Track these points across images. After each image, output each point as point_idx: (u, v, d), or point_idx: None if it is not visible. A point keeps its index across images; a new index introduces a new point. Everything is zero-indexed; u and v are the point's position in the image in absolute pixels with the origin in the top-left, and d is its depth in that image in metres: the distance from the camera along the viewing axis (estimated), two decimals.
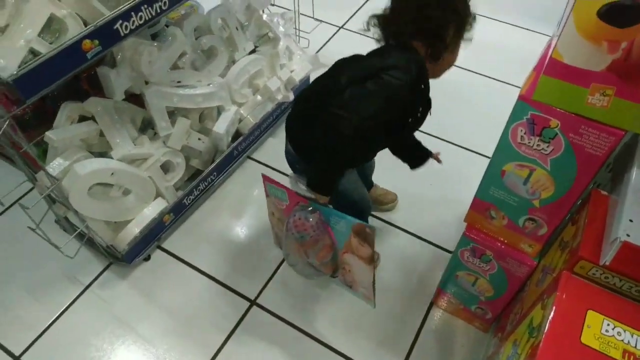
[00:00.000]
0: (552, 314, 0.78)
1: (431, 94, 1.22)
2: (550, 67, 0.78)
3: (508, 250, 1.17)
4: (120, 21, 1.11)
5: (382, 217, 1.76)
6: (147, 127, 1.63)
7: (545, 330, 0.76)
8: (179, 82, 1.59)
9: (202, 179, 1.68)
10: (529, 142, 0.92)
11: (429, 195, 1.81)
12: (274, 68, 1.82)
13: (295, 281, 1.57)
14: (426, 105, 1.23)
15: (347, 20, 2.59)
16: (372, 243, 1.17)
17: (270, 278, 1.58)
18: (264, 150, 1.97)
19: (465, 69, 2.24)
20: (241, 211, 1.77)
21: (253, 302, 1.53)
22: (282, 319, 1.49)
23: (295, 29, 2.03)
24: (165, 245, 1.66)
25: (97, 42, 1.09)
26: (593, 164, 0.88)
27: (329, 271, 1.39)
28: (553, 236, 1.10)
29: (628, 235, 0.75)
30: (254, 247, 1.67)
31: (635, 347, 0.74)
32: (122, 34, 1.14)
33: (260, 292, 1.55)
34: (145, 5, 1.16)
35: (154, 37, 1.72)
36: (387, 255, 1.64)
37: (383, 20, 1.19)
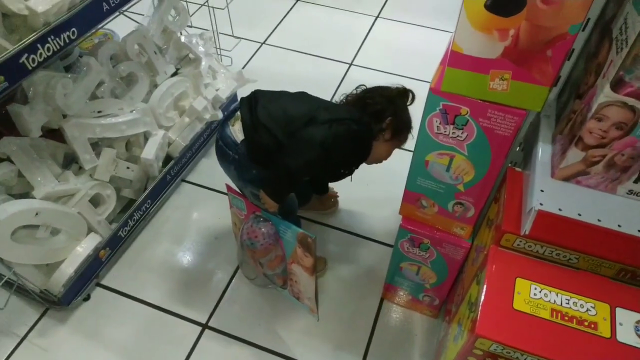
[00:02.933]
0: (485, 287, 0.84)
1: None
2: (452, 59, 0.84)
3: (443, 235, 1.22)
4: (26, 54, 1.07)
5: (325, 222, 1.79)
6: (70, 162, 1.56)
7: (481, 302, 0.81)
8: (99, 111, 1.53)
9: (136, 209, 1.63)
10: (445, 131, 0.98)
11: (367, 196, 1.86)
12: (199, 88, 1.81)
13: (246, 298, 1.56)
14: (352, 169, 1.40)
15: (269, 36, 2.63)
16: (313, 253, 1.20)
17: (220, 299, 1.56)
18: (199, 171, 1.94)
19: (390, 73, 2.35)
20: (182, 236, 1.73)
21: (205, 326, 1.49)
22: (237, 338, 1.47)
23: (216, 47, 2.03)
24: (105, 281, 1.58)
25: (2, 78, 1.04)
26: (504, 144, 0.95)
27: (281, 282, 1.41)
28: (481, 217, 1.17)
29: (541, 204, 0.82)
30: (200, 270, 1.64)
31: (561, 304, 0.81)
32: (29, 68, 1.09)
33: (211, 314, 1.52)
34: (52, 37, 1.12)
35: (67, 68, 1.67)
36: (334, 258, 1.67)
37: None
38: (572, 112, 0.85)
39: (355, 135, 1.26)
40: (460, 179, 1.07)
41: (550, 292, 0.82)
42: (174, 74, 1.82)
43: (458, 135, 0.98)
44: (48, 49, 1.12)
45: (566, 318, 0.79)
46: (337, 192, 1.82)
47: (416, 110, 1.17)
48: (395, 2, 2.93)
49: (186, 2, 1.88)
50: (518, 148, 1.15)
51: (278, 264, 1.34)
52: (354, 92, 1.39)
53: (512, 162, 1.20)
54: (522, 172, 1.00)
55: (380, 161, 1.41)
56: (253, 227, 1.28)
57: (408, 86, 1.35)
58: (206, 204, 1.84)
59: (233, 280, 1.60)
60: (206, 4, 1.92)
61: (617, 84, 0.70)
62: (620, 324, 0.78)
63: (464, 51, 0.83)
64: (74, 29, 1.17)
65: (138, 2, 1.50)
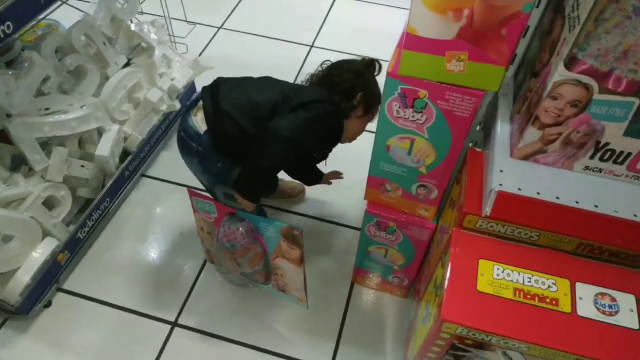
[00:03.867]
0: (448, 270, 0.84)
1: None
2: (408, 41, 0.82)
3: (408, 218, 1.23)
4: None
5: (293, 210, 1.77)
6: (19, 164, 1.48)
7: (445, 287, 0.81)
8: (47, 109, 1.45)
9: (94, 208, 1.56)
10: (405, 115, 0.97)
11: (333, 181, 1.85)
12: (153, 78, 1.73)
13: (215, 293, 1.53)
14: (326, 151, 1.37)
15: (226, 20, 2.55)
16: (301, 245, 1.18)
17: (188, 295, 1.52)
18: (159, 165, 1.88)
19: (352, 54, 2.31)
20: (145, 233, 1.68)
21: (174, 324, 1.46)
22: (207, 334, 1.45)
23: (169, 35, 1.95)
24: (66, 286, 1.52)
25: None
26: (463, 125, 0.94)
27: (262, 278, 1.39)
28: (444, 198, 1.17)
29: (501, 185, 0.83)
30: (166, 267, 1.59)
31: (523, 283, 0.82)
32: None
33: (181, 311, 1.49)
34: None
35: (9, 64, 1.56)
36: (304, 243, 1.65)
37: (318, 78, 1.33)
38: (528, 91, 0.85)
39: (325, 118, 1.21)
40: (422, 162, 1.07)
41: (512, 271, 0.83)
42: (126, 65, 1.74)
43: (418, 119, 0.97)
44: None
45: (528, 296, 0.80)
46: (302, 184, 1.79)
47: (381, 85, 1.15)
48: None
49: None
50: (478, 127, 1.15)
51: (258, 261, 1.32)
52: (319, 69, 1.34)
53: (473, 141, 1.21)
54: (482, 152, 1.01)
55: (354, 138, 1.37)
56: (231, 229, 1.24)
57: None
58: (169, 199, 1.79)
59: (201, 276, 1.57)
60: None
61: (570, 62, 0.70)
62: (580, 298, 0.80)
63: (419, 33, 0.81)
64: (8, 22, 1.09)
65: None
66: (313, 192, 1.81)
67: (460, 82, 0.86)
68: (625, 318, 0.78)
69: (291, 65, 2.28)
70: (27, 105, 1.39)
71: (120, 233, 1.67)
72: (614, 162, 0.81)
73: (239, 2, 2.68)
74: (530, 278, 0.82)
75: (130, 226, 1.69)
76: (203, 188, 1.46)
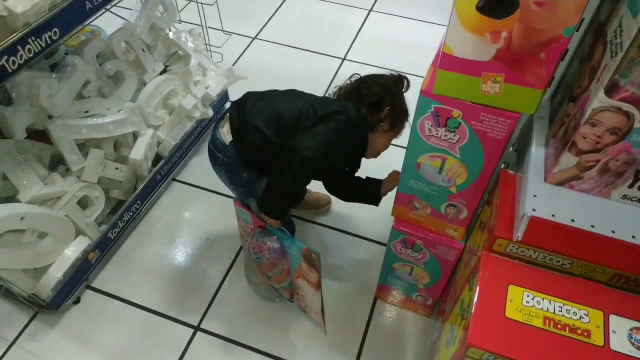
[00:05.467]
0: (476, 293, 0.82)
1: None
2: (443, 61, 0.82)
3: (436, 237, 1.21)
4: (6, 57, 1.03)
5: (318, 221, 1.77)
6: (57, 163, 1.53)
7: (472, 310, 0.80)
8: (86, 112, 1.50)
9: (125, 209, 1.60)
10: (437, 134, 0.96)
11: None
12: (188, 86, 1.78)
13: (239, 299, 1.54)
14: (354, 166, 1.38)
15: (260, 30, 2.59)
16: (318, 269, 1.18)
17: (212, 300, 1.54)
18: (190, 170, 1.92)
19: (383, 68, 2.32)
20: (173, 236, 1.71)
21: (197, 328, 1.48)
22: (229, 340, 1.46)
23: (206, 44, 2.00)
24: (95, 284, 1.56)
25: None
26: (496, 146, 0.93)
27: (288, 295, 1.39)
28: (474, 218, 1.15)
29: (534, 210, 0.81)
30: (191, 271, 1.62)
31: (554, 312, 0.79)
32: (9, 70, 1.06)
33: (204, 316, 1.51)
34: (33, 38, 1.08)
35: (52, 67, 1.63)
36: (327, 257, 1.65)
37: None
38: (566, 116, 0.83)
39: (347, 130, 1.21)
40: (452, 181, 1.05)
41: (542, 299, 0.81)
42: (163, 72, 1.79)
43: (450, 138, 0.96)
44: (29, 51, 1.09)
45: (559, 326, 0.78)
46: (328, 196, 1.79)
47: (410, 100, 1.15)
48: None
49: None
50: (511, 149, 1.13)
51: (284, 277, 1.33)
52: (348, 82, 1.35)
53: (506, 162, 1.19)
54: (515, 175, 0.99)
55: (379, 153, 1.37)
56: (258, 242, 1.25)
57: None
58: (198, 203, 1.82)
59: (225, 282, 1.59)
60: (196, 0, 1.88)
61: (611, 89, 0.69)
62: (614, 332, 0.77)
63: (455, 53, 0.80)
64: (55, 29, 1.13)
65: None
66: (339, 204, 1.80)
67: (496, 104, 0.85)
68: None
69: (323, 77, 2.30)
70: (68, 107, 1.44)
71: (148, 235, 1.70)
72: None
73: (274, 13, 2.72)
74: (561, 307, 0.80)
75: (158, 229, 1.73)
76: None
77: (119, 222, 1.59)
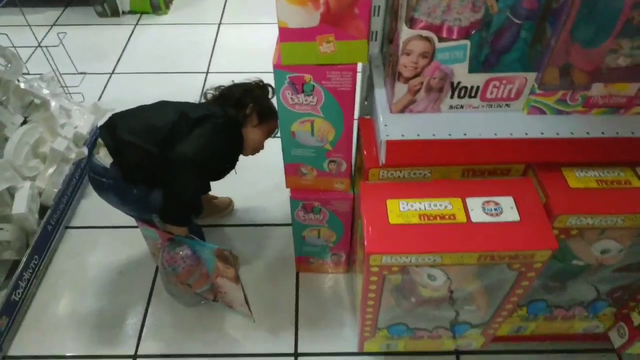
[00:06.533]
0: (363, 216, 0.98)
1: None
2: (282, 35, 0.96)
3: (328, 194, 1.36)
4: None
5: (226, 223, 1.84)
6: None
7: (364, 230, 0.95)
8: None
9: (23, 268, 1.53)
10: (299, 100, 1.10)
11: (257, 190, 1.95)
12: (55, 130, 1.74)
13: (167, 318, 1.57)
14: (232, 164, 1.45)
15: (116, 64, 2.58)
16: (233, 264, 1.27)
17: (142, 325, 1.54)
18: (80, 214, 1.87)
19: (247, 72, 2.44)
20: (83, 282, 1.67)
21: (135, 356, 1.47)
22: (171, 356, 1.48)
23: (62, 86, 1.96)
24: (12, 352, 1.48)
25: None
26: (348, 98, 1.09)
27: (212, 296, 1.45)
28: (353, 168, 1.32)
29: (387, 135, 0.98)
30: (112, 307, 1.60)
31: (425, 209, 0.98)
32: None
33: (138, 342, 1.50)
34: None
35: None
36: (243, 253, 1.73)
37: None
38: (390, 56, 1.02)
39: (221, 129, 1.32)
40: (325, 140, 1.20)
41: (414, 203, 0.98)
42: (23, 123, 1.73)
43: (310, 101, 1.10)
44: None
45: (431, 218, 0.96)
46: (229, 198, 1.87)
47: None
48: (233, 6, 3.04)
49: (14, 47, 1.79)
50: (365, 102, 1.32)
51: (204, 281, 1.39)
52: (213, 92, 1.46)
53: (366, 114, 1.37)
54: (370, 119, 1.17)
55: (257, 150, 1.49)
56: (170, 254, 1.30)
57: (267, 80, 1.44)
58: (98, 244, 1.78)
59: (150, 307, 1.59)
60: (39, 45, 1.84)
61: (410, 22, 0.87)
62: (472, 210, 0.97)
63: (289, 25, 0.95)
64: None
65: None
66: (240, 202, 1.90)
67: (335, 61, 1.01)
68: (508, 215, 0.96)
69: (192, 93, 2.36)
70: None
71: (56, 288, 1.64)
72: (469, 96, 0.99)
73: (125, 46, 2.72)
74: (430, 204, 0.98)
75: (65, 280, 1.67)
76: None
77: (19, 282, 1.52)
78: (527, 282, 1.04)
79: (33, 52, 2.20)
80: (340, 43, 0.98)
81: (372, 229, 0.95)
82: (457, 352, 1.46)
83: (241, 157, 1.48)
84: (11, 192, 1.58)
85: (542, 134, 0.99)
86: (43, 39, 2.60)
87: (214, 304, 1.51)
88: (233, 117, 1.37)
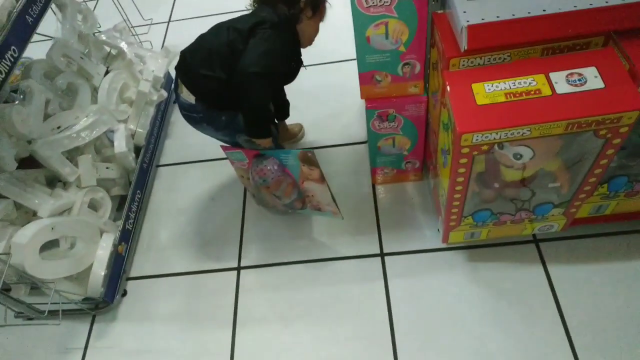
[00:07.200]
0: (450, 103, 1.03)
1: None
2: None
3: (402, 100, 1.41)
4: None
5: (299, 148, 1.94)
6: (52, 181, 1.62)
7: (452, 112, 1.01)
8: (58, 127, 1.59)
9: (131, 201, 1.72)
10: (373, 2, 1.15)
11: (324, 112, 2.03)
12: (135, 76, 1.87)
13: (262, 231, 1.72)
14: (298, 61, 1.46)
15: (171, 13, 2.67)
16: (316, 163, 1.36)
17: (241, 240, 1.71)
18: (166, 153, 2.03)
19: None
20: (181, 210, 1.84)
21: (238, 268, 1.65)
22: (270, 264, 1.64)
23: (133, 35, 2.08)
24: (133, 273, 1.69)
25: None
26: None
27: (300, 205, 1.57)
28: (426, 69, 1.36)
29: (468, 21, 1.02)
30: (211, 227, 1.77)
31: (511, 88, 1.02)
32: None
33: (240, 255, 1.67)
34: None
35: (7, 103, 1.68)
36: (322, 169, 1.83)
37: None
38: None
39: (275, 32, 1.31)
40: (399, 41, 1.25)
41: (499, 83, 1.03)
42: (106, 73, 1.87)
43: (385, 2, 1.15)
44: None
45: (517, 95, 1.01)
46: (299, 124, 1.97)
47: None
48: None
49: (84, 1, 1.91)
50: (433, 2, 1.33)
51: (292, 190, 1.50)
52: None
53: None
54: (444, 13, 1.19)
55: (312, 40, 1.48)
56: (259, 167, 1.42)
57: None
58: (188, 177, 1.95)
59: (245, 223, 1.75)
60: None
61: None
62: (556, 82, 1.01)
63: None
64: (13, 46, 1.22)
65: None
66: (310, 128, 1.99)
67: None
68: (593, 83, 0.99)
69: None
70: (42, 128, 1.53)
71: (160, 216, 1.84)
72: None
73: None
74: (514, 83, 1.02)
75: (165, 209, 1.86)
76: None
77: (129, 213, 1.71)
78: (613, 150, 1.08)
79: (96, 4, 2.31)
80: None
81: (461, 111, 1.01)
82: (537, 240, 1.54)
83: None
84: (108, 135, 1.75)
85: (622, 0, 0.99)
86: None
87: (302, 212, 1.64)
88: (286, 16, 1.36)
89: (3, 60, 1.19)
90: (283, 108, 1.83)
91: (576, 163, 1.16)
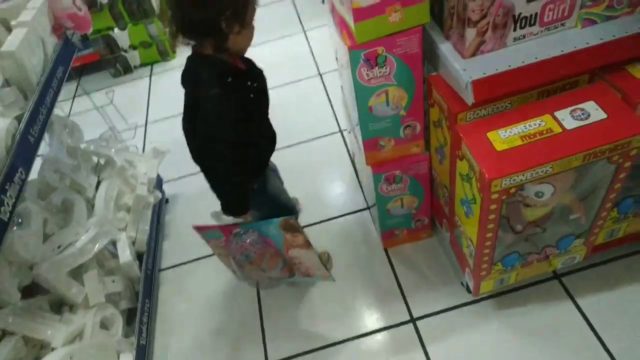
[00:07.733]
0: (471, 153, 1.08)
1: None
2: (356, 15, 1.07)
3: (406, 160, 1.46)
4: None
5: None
6: (54, 306, 1.51)
7: (475, 162, 1.05)
8: (59, 246, 1.52)
9: (141, 313, 1.62)
10: (374, 74, 1.21)
11: (320, 186, 2.05)
12: (128, 181, 1.84)
13: (281, 320, 1.65)
14: (254, 76, 1.29)
15: (147, 115, 2.70)
16: (300, 229, 1.31)
17: (263, 334, 1.63)
18: (166, 255, 1.96)
19: None
20: (193, 313, 1.75)
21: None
22: (301, 354, 1.55)
23: (120, 141, 2.07)
24: None
25: None
26: (417, 60, 1.20)
27: (287, 274, 1.50)
28: (426, 129, 1.42)
29: (471, 77, 1.09)
30: (229, 325, 1.69)
31: (523, 131, 1.08)
32: (5, 220, 1.10)
33: (265, 352, 1.58)
34: (8, 184, 1.13)
35: None
36: (325, 247, 1.81)
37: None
38: (451, 8, 1.13)
39: (215, 77, 1.17)
40: (399, 106, 1.31)
41: (512, 128, 1.09)
42: (97, 184, 1.83)
43: (384, 72, 1.21)
44: (10, 197, 1.13)
45: (532, 136, 1.06)
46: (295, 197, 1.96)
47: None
48: None
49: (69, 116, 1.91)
50: (425, 67, 1.42)
51: (276, 260, 1.44)
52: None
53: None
54: (438, 74, 1.27)
55: (250, 42, 1.24)
56: (239, 244, 1.37)
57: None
58: (194, 276, 1.87)
59: (262, 312, 1.68)
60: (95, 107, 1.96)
61: None
62: (563, 119, 1.08)
63: (361, 5, 1.06)
64: (20, 168, 1.19)
65: None
66: (309, 201, 1.99)
67: (403, 27, 1.13)
68: (596, 115, 1.07)
69: None
70: (44, 250, 1.45)
71: (172, 324, 1.74)
72: (529, 25, 1.10)
73: (148, 97, 2.84)
74: (525, 126, 1.08)
75: (177, 314, 1.76)
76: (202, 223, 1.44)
77: (141, 326, 1.60)
78: (624, 174, 1.14)
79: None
80: (406, 9, 1.09)
81: (484, 159, 1.05)
82: (558, 276, 1.55)
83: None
84: (107, 247, 1.67)
85: (601, 39, 1.10)
86: (70, 111, 2.73)
87: (291, 280, 1.56)
88: (214, 55, 1.18)
89: (12, 183, 1.15)
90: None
91: (590, 193, 1.21)
